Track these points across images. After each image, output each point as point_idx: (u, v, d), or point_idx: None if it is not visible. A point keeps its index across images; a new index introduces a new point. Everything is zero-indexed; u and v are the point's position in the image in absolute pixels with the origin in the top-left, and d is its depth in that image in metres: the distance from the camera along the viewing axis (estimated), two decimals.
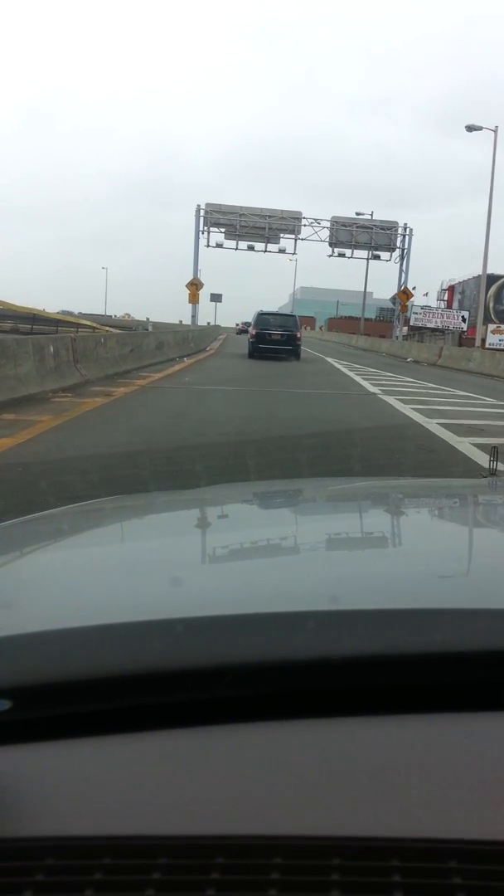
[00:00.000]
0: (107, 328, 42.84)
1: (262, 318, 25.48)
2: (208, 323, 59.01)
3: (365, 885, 0.48)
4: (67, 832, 0.53)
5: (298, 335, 25.23)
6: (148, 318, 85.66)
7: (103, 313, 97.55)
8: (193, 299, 41.32)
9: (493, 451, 2.18)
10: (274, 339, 24.37)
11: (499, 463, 2.13)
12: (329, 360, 28.11)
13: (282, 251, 46.92)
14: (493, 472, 2.19)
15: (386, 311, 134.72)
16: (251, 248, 47.25)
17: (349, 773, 0.58)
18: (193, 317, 43.17)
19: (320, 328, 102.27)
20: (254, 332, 25.13)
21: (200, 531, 1.42)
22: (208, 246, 47.03)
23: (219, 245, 46.95)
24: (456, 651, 0.66)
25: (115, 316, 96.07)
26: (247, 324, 40.17)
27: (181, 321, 67.75)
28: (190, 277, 42.73)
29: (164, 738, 0.62)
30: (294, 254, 47.89)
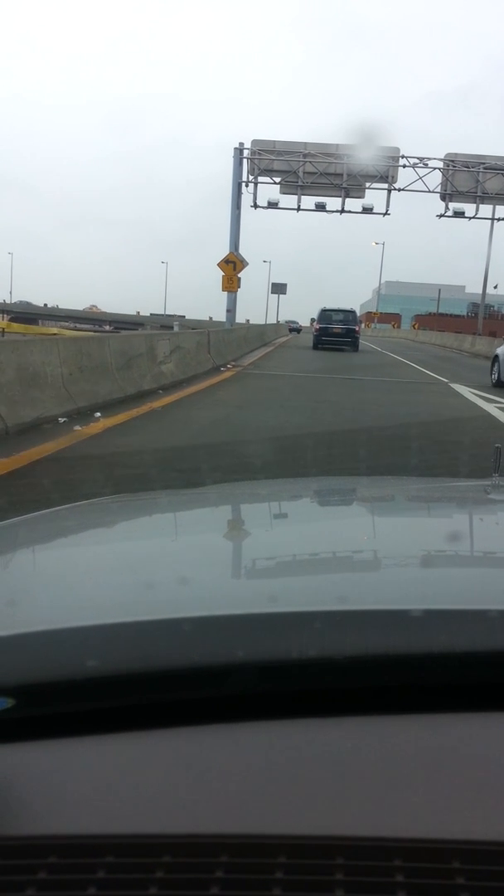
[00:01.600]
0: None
1: (325, 314, 28.27)
2: (247, 320, 46.41)
3: (368, 885, 0.49)
4: (70, 831, 0.53)
5: (357, 329, 28.13)
6: (184, 316, 76.15)
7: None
8: (230, 286, 26.55)
9: (496, 451, 2.07)
10: (335, 332, 27.23)
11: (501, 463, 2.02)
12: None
13: (367, 210, 31.05)
14: (497, 471, 2.05)
15: (478, 306, 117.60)
16: (321, 208, 31.09)
17: (352, 772, 0.58)
18: (229, 311, 28.89)
19: (414, 325, 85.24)
20: (318, 327, 28.08)
21: (205, 529, 1.39)
22: (256, 207, 31.14)
23: (273, 205, 31.07)
24: (461, 651, 0.65)
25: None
26: (293, 322, 45.96)
27: (210, 317, 56.12)
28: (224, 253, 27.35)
29: (166, 737, 0.62)
30: (387, 213, 31.51)
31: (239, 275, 26.08)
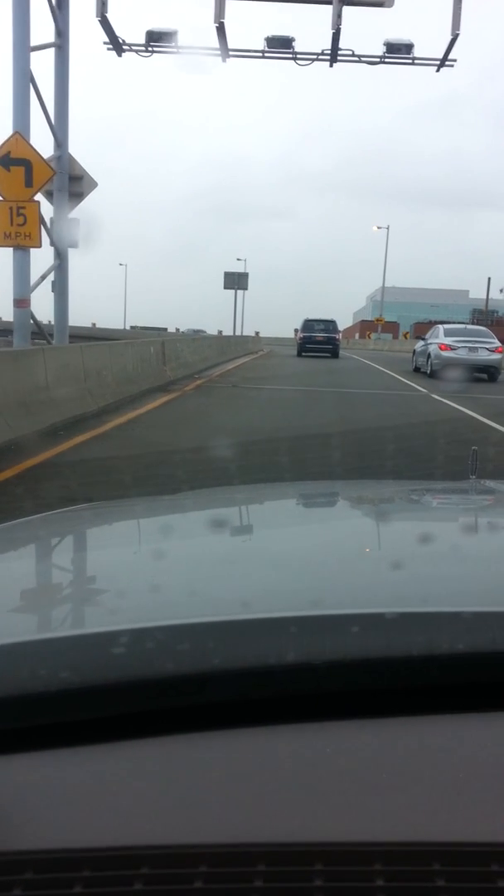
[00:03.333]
0: None
1: (308, 323, 31.49)
2: (220, 332, 38.95)
3: (348, 891, 0.49)
4: (46, 845, 0.53)
5: (337, 337, 31.49)
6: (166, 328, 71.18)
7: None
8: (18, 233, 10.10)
9: (473, 453, 2.16)
10: (318, 340, 30.16)
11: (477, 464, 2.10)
12: None
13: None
14: (473, 473, 2.09)
15: (481, 312, 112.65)
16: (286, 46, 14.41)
17: (330, 777, 0.58)
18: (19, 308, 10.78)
19: (405, 334, 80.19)
20: (301, 336, 31.01)
21: (179, 536, 1.40)
22: (123, 47, 13.95)
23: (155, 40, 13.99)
24: (437, 654, 0.66)
25: None
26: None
27: (220, 331, 49.59)
28: None
29: (142, 747, 0.62)
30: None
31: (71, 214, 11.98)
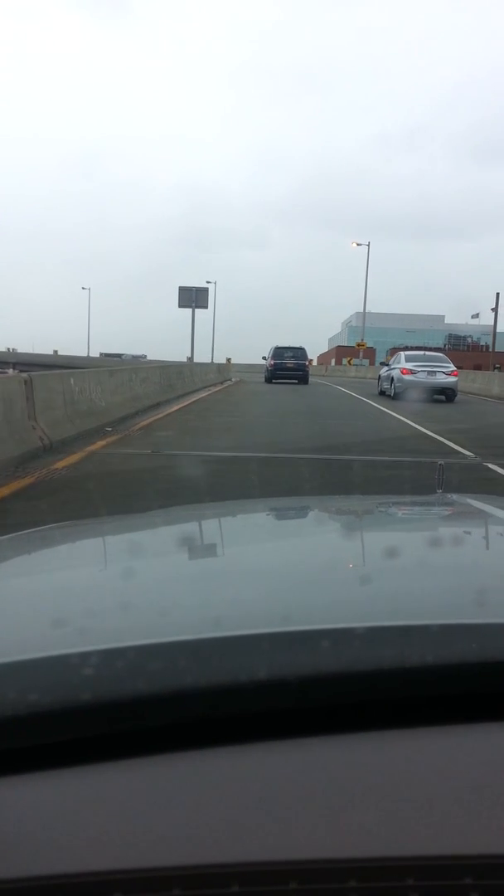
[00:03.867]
0: None
1: (278, 350, 31.91)
2: (189, 358, 34.79)
3: None
4: (21, 873, 0.52)
5: (307, 364, 32.33)
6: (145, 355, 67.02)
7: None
8: None
9: (440, 469, 2.30)
10: (288, 367, 30.45)
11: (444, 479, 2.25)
12: None
13: None
14: (440, 487, 2.19)
15: (457, 338, 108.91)
16: None
17: (302, 794, 0.58)
18: None
19: (387, 359, 75.24)
20: (272, 362, 31.45)
21: (149, 554, 1.39)
22: None
23: None
24: (409, 667, 0.66)
25: None
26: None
27: (189, 357, 44.60)
28: None
29: (115, 769, 0.61)
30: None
31: None
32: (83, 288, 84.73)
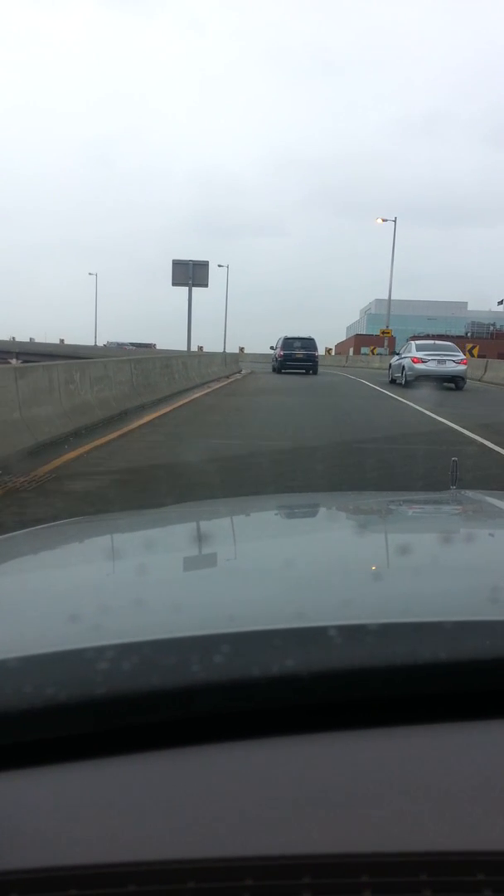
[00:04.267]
0: None
1: (287, 341, 31.90)
2: (200, 348, 32.45)
3: None
4: (31, 864, 0.53)
5: (316, 354, 32.05)
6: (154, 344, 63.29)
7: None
8: None
9: (454, 464, 2.20)
10: (297, 357, 30.32)
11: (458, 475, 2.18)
12: None
13: None
14: (454, 483, 2.16)
15: (479, 326, 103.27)
16: None
17: (315, 789, 0.59)
18: None
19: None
20: (281, 353, 31.17)
21: (163, 550, 1.40)
22: None
23: None
24: (421, 663, 0.66)
25: None
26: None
27: (201, 347, 40.40)
28: None
29: (129, 763, 0.62)
30: None
31: None
32: (89, 273, 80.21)
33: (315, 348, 32.25)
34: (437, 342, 24.42)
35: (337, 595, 0.96)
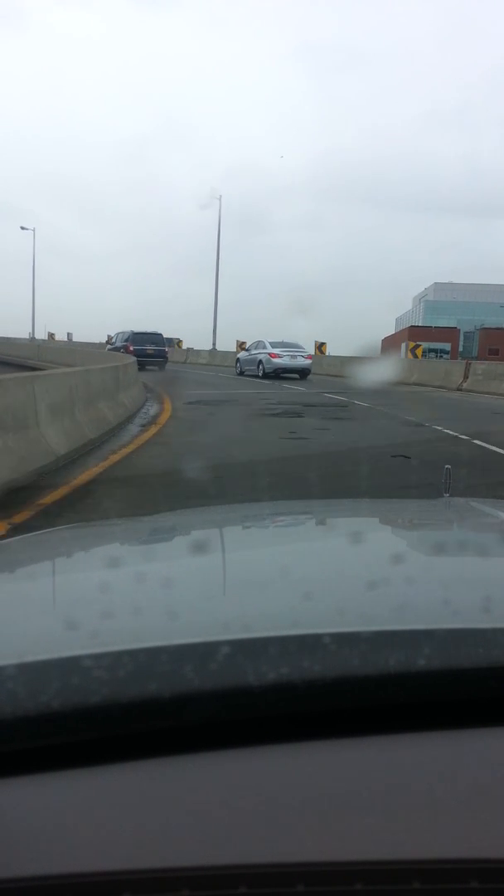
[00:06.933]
0: None
1: (138, 336, 31.06)
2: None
3: None
4: (23, 872, 0.53)
5: (167, 350, 32.38)
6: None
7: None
8: None
9: (446, 472, 2.16)
10: (148, 353, 29.11)
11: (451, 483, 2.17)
12: None
13: None
14: (447, 491, 2.16)
15: None
16: None
17: (309, 797, 0.59)
18: None
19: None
20: (131, 348, 28.72)
21: (159, 557, 1.41)
22: None
23: None
24: (415, 671, 0.66)
25: None
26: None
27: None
28: None
29: (124, 771, 0.62)
30: None
31: None
32: (21, 228, 64.27)
33: (164, 343, 32.64)
34: (286, 341, 27.27)
35: (331, 602, 0.95)
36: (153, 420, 11.60)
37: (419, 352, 33.47)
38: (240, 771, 0.61)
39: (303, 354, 26.47)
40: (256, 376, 25.68)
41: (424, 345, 50.97)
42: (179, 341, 55.00)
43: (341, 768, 0.62)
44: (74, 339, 54.15)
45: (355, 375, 24.09)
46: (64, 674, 0.65)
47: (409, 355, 32.64)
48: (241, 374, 27.57)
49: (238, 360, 29.42)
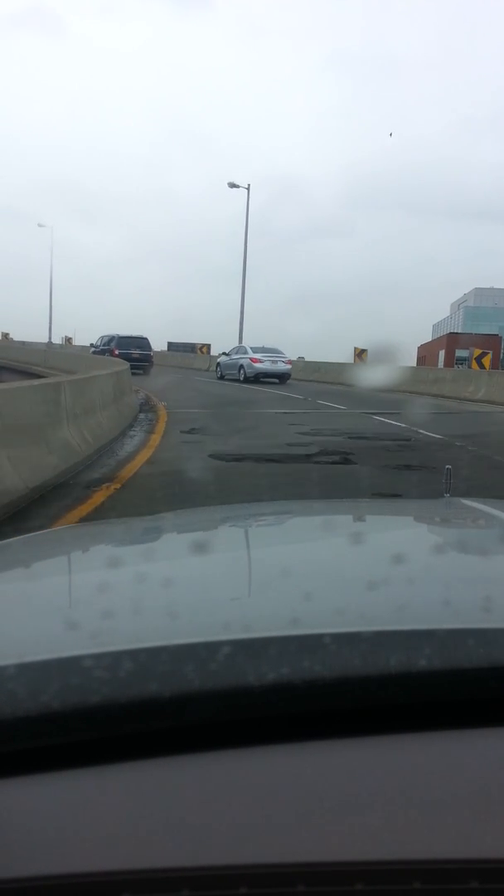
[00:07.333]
0: None
1: (123, 340, 32.07)
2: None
3: None
4: (22, 873, 0.53)
5: (151, 354, 32.96)
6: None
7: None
8: None
9: (447, 472, 2.15)
10: (134, 357, 28.26)
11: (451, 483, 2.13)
12: None
13: None
14: (448, 491, 2.15)
15: None
16: None
17: (309, 797, 0.59)
18: None
19: None
20: (116, 353, 29.53)
21: (159, 558, 1.40)
22: None
23: None
24: (415, 671, 0.66)
25: None
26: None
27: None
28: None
29: (124, 771, 0.62)
30: None
31: None
32: (39, 225, 64.37)
33: (149, 348, 32.95)
34: (266, 346, 27.99)
35: (332, 602, 0.95)
36: (111, 474, 7.11)
37: (486, 361, 26.48)
38: (240, 771, 0.61)
39: (283, 360, 27.46)
40: (237, 380, 26.65)
41: (461, 352, 46.00)
42: (203, 347, 51.29)
43: (341, 768, 0.62)
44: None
45: (402, 389, 20.23)
46: (64, 674, 0.64)
47: (475, 365, 27.18)
48: (222, 377, 28.47)
49: (219, 364, 30.10)
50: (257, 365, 26.39)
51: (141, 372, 27.91)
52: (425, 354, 59.44)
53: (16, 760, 0.61)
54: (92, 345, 36.55)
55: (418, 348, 63.41)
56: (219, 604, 0.97)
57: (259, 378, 25.97)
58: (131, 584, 1.11)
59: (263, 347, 27.87)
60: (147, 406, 14.81)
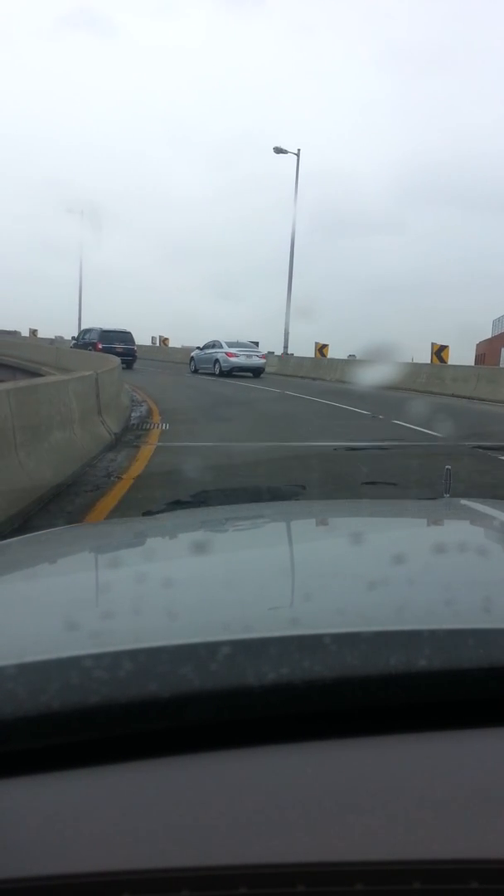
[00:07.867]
0: None
1: (106, 334, 31.80)
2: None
3: None
4: (25, 873, 0.53)
5: (135, 348, 32.58)
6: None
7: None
8: None
9: (447, 473, 2.18)
10: (118, 351, 28.55)
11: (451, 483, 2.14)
12: None
13: None
14: (447, 492, 2.18)
15: None
16: None
17: (309, 797, 0.59)
18: None
19: None
20: (100, 347, 29.77)
21: (158, 558, 1.40)
22: None
23: None
24: (415, 671, 0.66)
25: None
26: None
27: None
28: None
29: (123, 771, 0.62)
30: None
31: None
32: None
33: (133, 342, 32.64)
34: (241, 341, 28.87)
35: (332, 603, 0.94)
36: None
37: None
38: (240, 771, 0.61)
39: (258, 354, 28.52)
40: (213, 374, 27.47)
41: None
42: (165, 339, 49.30)
43: (341, 768, 0.61)
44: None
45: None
46: (64, 674, 0.64)
47: None
48: (196, 371, 29.36)
49: (192, 358, 30.84)
50: (232, 359, 27.35)
51: (124, 366, 28.31)
52: (485, 351, 55.83)
53: (16, 760, 0.61)
54: (73, 338, 35.99)
55: (477, 345, 59.71)
56: (219, 604, 0.96)
57: (233, 372, 26.85)
58: (131, 584, 1.11)
59: (238, 342, 28.81)
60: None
